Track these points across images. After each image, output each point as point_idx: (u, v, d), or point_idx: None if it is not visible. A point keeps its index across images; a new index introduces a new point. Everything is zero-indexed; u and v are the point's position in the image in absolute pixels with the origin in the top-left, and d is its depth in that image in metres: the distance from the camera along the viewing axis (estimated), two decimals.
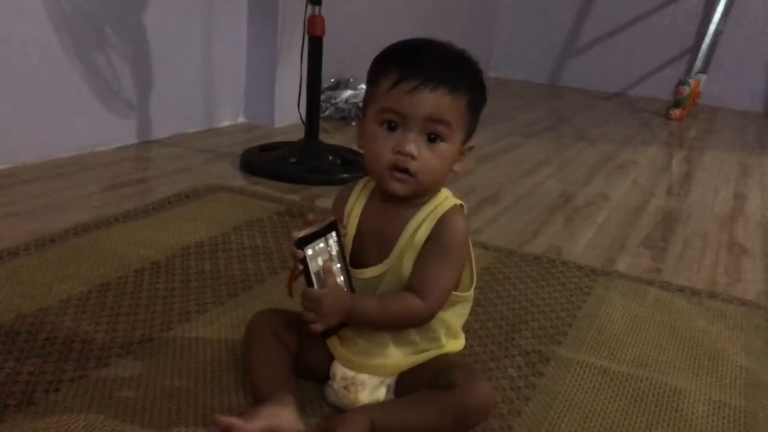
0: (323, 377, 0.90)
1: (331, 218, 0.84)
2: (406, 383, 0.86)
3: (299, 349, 0.90)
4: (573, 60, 4.35)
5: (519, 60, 4.40)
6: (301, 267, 0.79)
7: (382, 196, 0.86)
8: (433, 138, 0.81)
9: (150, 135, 2.15)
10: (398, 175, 0.81)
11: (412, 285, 0.83)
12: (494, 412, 0.91)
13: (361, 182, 0.91)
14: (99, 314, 1.09)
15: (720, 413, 0.97)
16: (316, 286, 0.79)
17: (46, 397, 0.87)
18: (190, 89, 2.29)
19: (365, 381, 0.87)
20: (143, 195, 1.68)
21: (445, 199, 0.86)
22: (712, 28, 3.67)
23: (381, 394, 0.87)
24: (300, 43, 2.02)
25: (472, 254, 0.90)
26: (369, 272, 0.85)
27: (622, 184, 2.19)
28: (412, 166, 0.80)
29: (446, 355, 0.89)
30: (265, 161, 1.95)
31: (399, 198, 0.83)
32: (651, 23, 4.09)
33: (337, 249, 0.83)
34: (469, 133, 0.85)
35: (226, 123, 2.48)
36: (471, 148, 0.86)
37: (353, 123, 2.66)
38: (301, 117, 2.05)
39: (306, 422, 0.83)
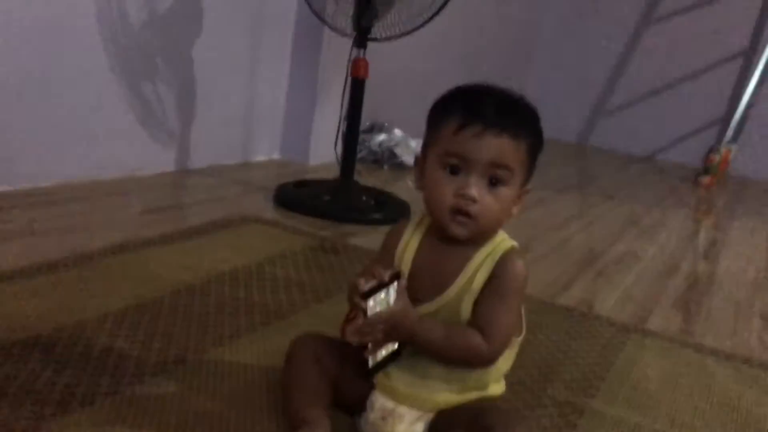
0: (359, 408, 0.90)
1: (396, 270, 0.84)
2: (444, 423, 0.85)
3: (339, 376, 0.90)
4: (603, 121, 4.38)
5: (548, 118, 4.40)
6: (361, 316, 0.79)
7: (439, 235, 0.87)
8: (494, 182, 0.82)
9: (188, 164, 2.20)
10: (460, 218, 0.82)
11: (476, 325, 0.83)
12: None
13: (416, 218, 0.92)
14: (135, 332, 1.10)
15: None
16: None
17: (81, 409, 0.87)
18: (229, 122, 2.35)
19: (404, 414, 0.86)
20: (179, 220, 1.71)
21: (502, 240, 0.87)
22: (744, 99, 3.70)
23: (418, 429, 0.86)
24: (340, 83, 2.06)
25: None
26: (423, 309, 0.85)
27: (651, 245, 2.18)
28: (473, 209, 0.82)
29: (488, 397, 0.88)
30: (299, 197, 1.98)
31: (472, 238, 0.85)
32: (684, 90, 4.12)
33: (394, 297, 0.83)
34: (528, 176, 0.87)
35: (262, 158, 2.52)
36: (528, 190, 0.88)
37: (385, 167, 2.70)
38: (337, 156, 2.08)
39: None
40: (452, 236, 0.84)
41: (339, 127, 2.07)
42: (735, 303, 1.72)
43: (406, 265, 0.88)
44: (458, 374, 0.86)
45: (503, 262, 0.84)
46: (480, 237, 0.85)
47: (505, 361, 0.90)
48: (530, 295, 1.51)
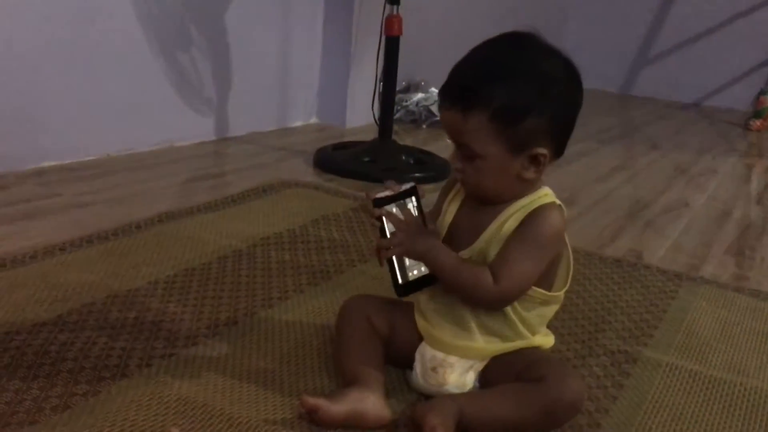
0: (410, 363, 0.90)
1: (412, 183, 0.84)
2: (495, 372, 0.85)
3: (389, 334, 0.90)
4: (646, 69, 4.24)
5: (590, 68, 4.29)
6: (378, 225, 0.81)
7: None
8: (468, 155, 0.81)
9: (227, 132, 2.21)
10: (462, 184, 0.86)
11: (491, 265, 0.82)
12: (582, 409, 0.88)
13: None
14: (185, 297, 1.12)
15: None
16: None
17: (139, 371, 0.90)
18: (266, 89, 2.34)
19: (454, 363, 0.86)
20: (221, 188, 1.72)
21: (543, 196, 0.85)
22: None
23: (469, 378, 0.86)
24: (374, 43, 2.03)
25: (570, 255, 0.88)
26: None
27: (702, 192, 2.12)
28: (462, 178, 0.84)
29: (537, 348, 0.88)
30: (338, 159, 1.97)
31: (498, 200, 0.84)
32: (728, 32, 3.95)
33: (416, 214, 0.83)
34: (519, 141, 0.80)
35: (299, 123, 2.52)
36: (541, 154, 0.81)
37: (423, 126, 2.67)
38: (374, 117, 2.06)
39: (390, 408, 0.83)
40: None
41: (375, 87, 2.05)
42: None
43: (450, 216, 0.88)
44: (490, 326, 0.85)
45: (534, 214, 0.82)
46: (510, 197, 0.84)
47: (539, 317, 0.88)
48: (576, 247, 1.49)
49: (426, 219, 0.85)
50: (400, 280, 0.83)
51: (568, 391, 0.80)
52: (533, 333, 0.88)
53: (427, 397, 0.87)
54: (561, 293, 0.88)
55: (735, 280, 1.41)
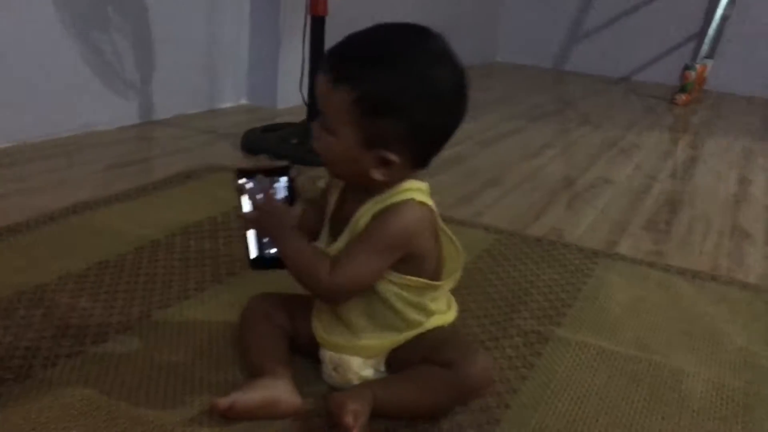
0: (317, 356, 0.90)
1: (285, 163, 0.83)
2: (400, 359, 0.85)
3: (292, 328, 0.91)
4: (578, 45, 4.31)
5: (524, 44, 4.37)
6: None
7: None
8: (325, 126, 0.79)
9: (152, 115, 2.15)
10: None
11: (333, 258, 0.81)
12: (491, 390, 0.91)
13: None
14: (97, 291, 1.09)
15: (718, 394, 0.96)
16: None
17: (44, 371, 0.87)
18: (192, 70, 2.28)
19: (349, 362, 0.86)
20: (144, 174, 1.68)
21: (404, 191, 0.81)
22: (718, 13, 3.64)
23: (369, 374, 0.86)
24: (302, 23, 2.00)
25: (455, 248, 0.89)
26: (332, 250, 0.84)
27: (626, 168, 2.18)
28: (317, 147, 0.81)
29: (438, 327, 0.87)
30: (266, 142, 1.94)
31: (357, 185, 0.83)
32: (657, 8, 4.05)
33: (285, 195, 0.82)
34: (372, 137, 0.77)
35: (228, 104, 2.47)
36: (389, 160, 0.77)
37: None
38: (303, 98, 2.04)
39: (303, 398, 0.83)
40: None
41: (303, 67, 2.02)
42: (705, 221, 1.73)
43: (330, 207, 0.88)
44: (386, 319, 0.85)
45: (385, 211, 0.80)
46: (364, 184, 0.81)
47: (432, 301, 0.88)
48: (499, 227, 1.51)
49: (295, 202, 0.84)
50: (251, 255, 0.84)
51: (475, 373, 0.81)
52: (429, 315, 0.87)
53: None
54: (443, 282, 0.88)
55: (650, 256, 1.46)
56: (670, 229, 1.65)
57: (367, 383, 0.84)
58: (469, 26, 3.92)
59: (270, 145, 1.92)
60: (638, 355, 1.04)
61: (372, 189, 0.82)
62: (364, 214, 0.81)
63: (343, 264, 0.79)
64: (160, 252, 1.24)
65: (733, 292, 1.30)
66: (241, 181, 0.82)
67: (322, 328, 0.88)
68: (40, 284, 1.09)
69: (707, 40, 3.63)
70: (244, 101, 2.54)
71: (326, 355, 0.88)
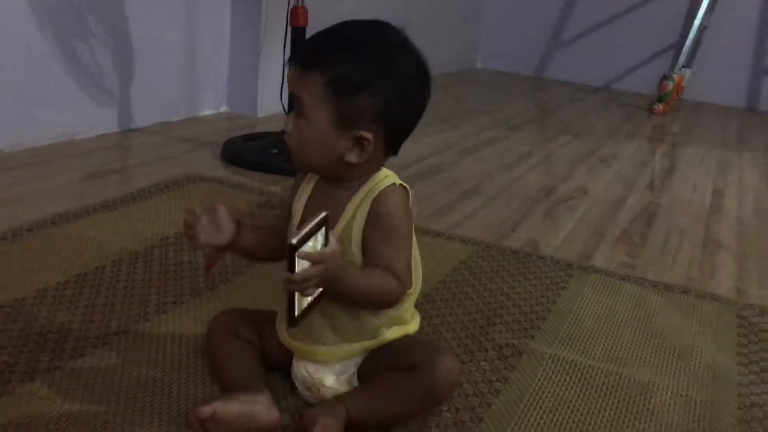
0: (289, 370, 0.92)
1: (323, 214, 0.79)
2: (368, 369, 0.87)
3: (262, 343, 0.92)
4: (559, 53, 4.36)
5: (505, 52, 4.41)
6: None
7: (326, 179, 0.88)
8: (299, 112, 0.82)
9: (131, 123, 2.14)
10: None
11: (381, 267, 0.82)
12: (466, 404, 0.92)
13: None
14: (75, 304, 1.09)
15: (685, 407, 0.99)
16: None
17: (22, 386, 0.88)
18: (172, 78, 2.28)
19: (322, 378, 0.88)
20: (123, 184, 1.68)
21: (384, 178, 0.86)
22: (696, 23, 3.69)
23: (343, 387, 0.88)
24: (283, 30, 2.01)
25: (418, 255, 0.90)
26: None
27: (603, 178, 2.21)
28: (288, 141, 0.84)
29: (406, 335, 0.90)
30: (246, 151, 1.95)
31: (333, 178, 0.85)
32: (636, 17, 4.10)
33: (322, 243, 0.81)
34: (346, 116, 0.80)
35: (209, 112, 2.47)
36: (363, 138, 0.81)
37: None
38: (283, 107, 2.05)
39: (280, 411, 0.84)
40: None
41: (283, 77, 2.03)
42: (679, 233, 1.76)
43: (298, 213, 0.88)
44: (349, 330, 0.87)
45: (380, 200, 0.83)
46: (361, 176, 0.85)
47: (403, 308, 0.90)
48: (477, 239, 1.53)
49: (329, 240, 0.82)
50: (296, 313, 0.78)
51: (441, 374, 0.83)
52: (391, 326, 0.89)
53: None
54: (410, 291, 0.88)
55: (623, 268, 1.48)
56: (644, 241, 1.67)
57: (338, 397, 0.85)
58: (449, 33, 3.95)
59: (250, 156, 1.92)
60: (610, 368, 1.06)
61: (344, 179, 0.85)
62: (358, 208, 0.84)
63: (398, 267, 0.83)
64: (139, 264, 1.25)
65: (704, 304, 1.33)
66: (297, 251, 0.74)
67: (289, 337, 0.90)
68: (18, 298, 1.09)
69: (685, 49, 3.69)
70: (224, 109, 2.54)
71: (300, 372, 0.89)
